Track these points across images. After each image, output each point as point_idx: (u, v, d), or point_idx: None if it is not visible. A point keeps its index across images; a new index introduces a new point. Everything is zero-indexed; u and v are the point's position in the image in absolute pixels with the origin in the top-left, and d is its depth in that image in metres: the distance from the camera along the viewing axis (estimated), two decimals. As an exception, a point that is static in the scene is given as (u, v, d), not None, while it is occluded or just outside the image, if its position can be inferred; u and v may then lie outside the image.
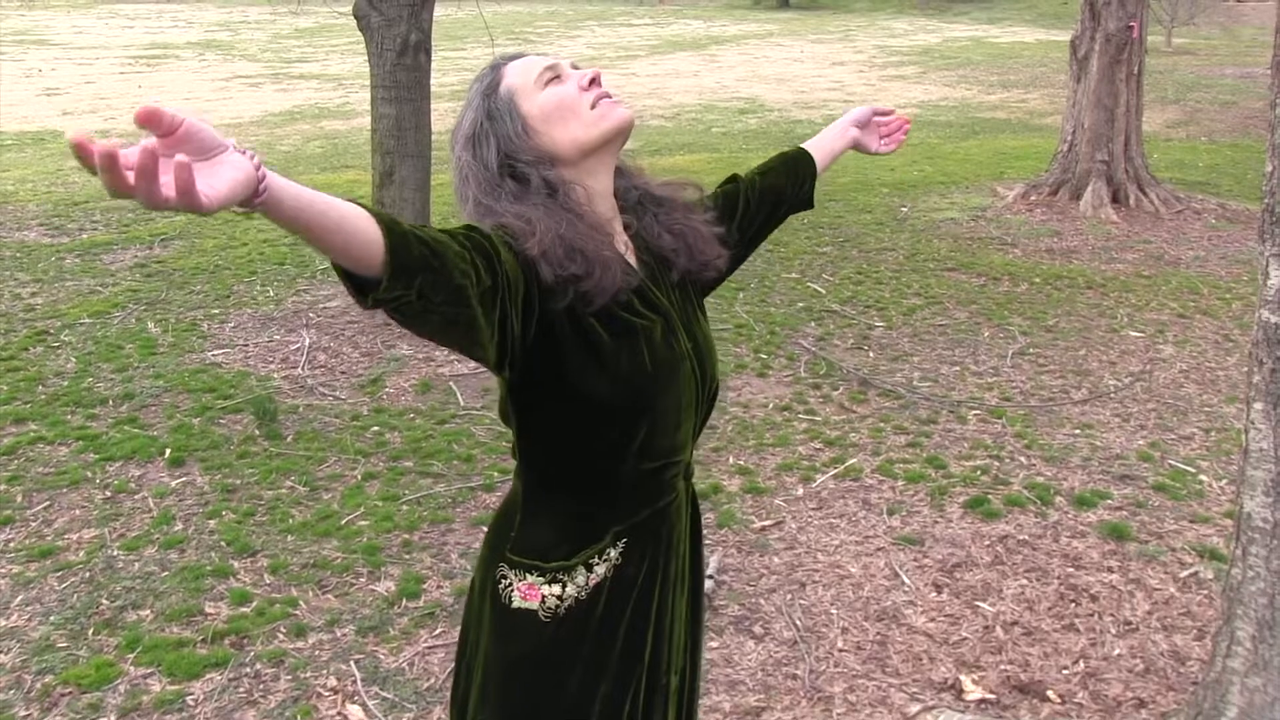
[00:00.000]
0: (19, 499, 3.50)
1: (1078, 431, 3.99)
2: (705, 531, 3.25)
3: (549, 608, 1.30)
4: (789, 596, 2.97)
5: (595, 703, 1.37)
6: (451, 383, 4.47)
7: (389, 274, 0.99)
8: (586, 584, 1.31)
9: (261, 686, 2.60)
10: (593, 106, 1.27)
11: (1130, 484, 3.58)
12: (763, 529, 3.32)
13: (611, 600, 1.34)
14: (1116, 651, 2.72)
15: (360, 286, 1.00)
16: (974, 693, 2.56)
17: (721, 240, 1.45)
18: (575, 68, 1.33)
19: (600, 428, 1.27)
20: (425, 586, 3.01)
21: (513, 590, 1.31)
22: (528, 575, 1.30)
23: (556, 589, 1.29)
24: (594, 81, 1.29)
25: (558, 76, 1.30)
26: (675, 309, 1.37)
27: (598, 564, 1.31)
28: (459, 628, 1.48)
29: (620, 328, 1.27)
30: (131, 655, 2.70)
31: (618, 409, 1.26)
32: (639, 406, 1.28)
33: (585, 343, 1.24)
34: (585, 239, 1.24)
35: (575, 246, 1.23)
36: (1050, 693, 2.56)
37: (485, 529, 1.49)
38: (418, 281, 1.00)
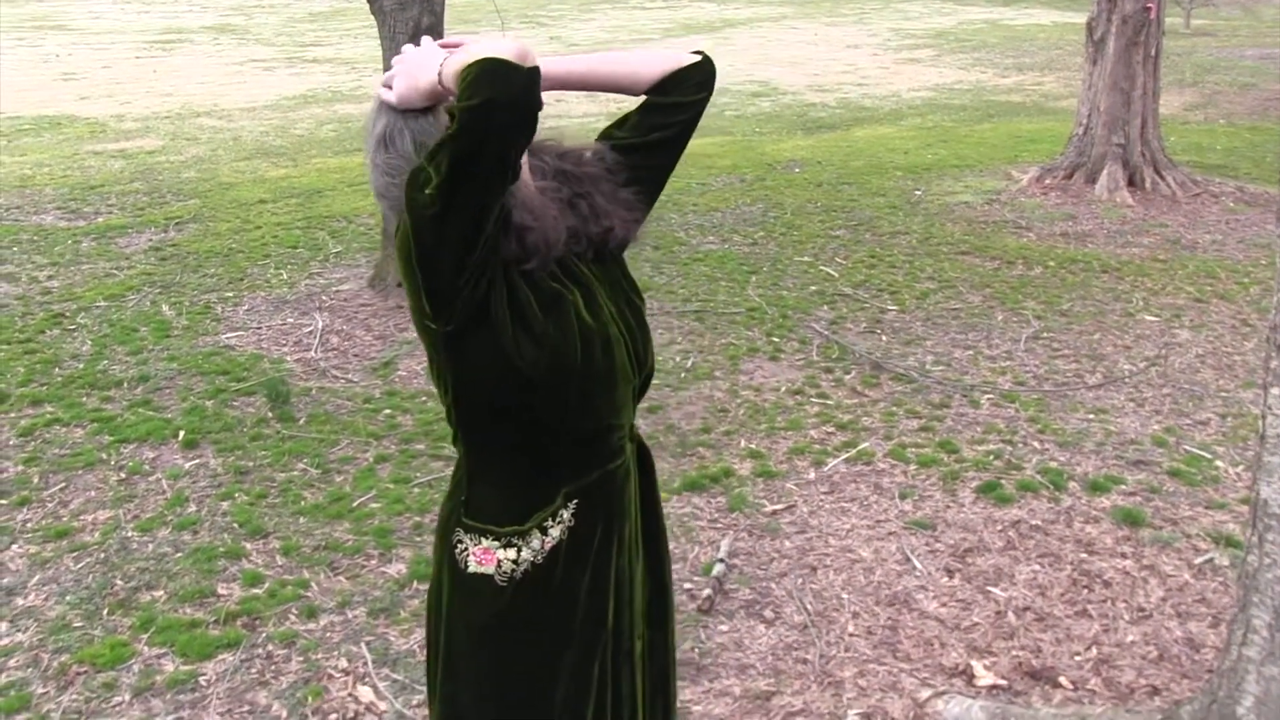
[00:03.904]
0: (35, 480, 3.53)
1: (1092, 416, 3.97)
2: (716, 516, 3.27)
3: (504, 572, 1.32)
4: (800, 580, 2.96)
5: (562, 670, 1.39)
6: (463, 366, 4.47)
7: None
8: (542, 548, 1.32)
9: (273, 667, 2.62)
10: None
11: (1144, 469, 3.56)
12: (774, 513, 3.31)
13: (569, 564, 1.35)
14: (1130, 638, 2.71)
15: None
16: (985, 678, 2.55)
17: (626, 205, 1.46)
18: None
19: (534, 392, 1.30)
20: (436, 569, 3.02)
21: (468, 555, 1.32)
22: (482, 539, 1.32)
23: (511, 553, 1.31)
24: None
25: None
26: (595, 278, 1.40)
27: (552, 526, 1.33)
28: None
29: (549, 299, 1.32)
30: (145, 635, 2.73)
31: (550, 376, 1.30)
32: (569, 373, 1.31)
33: (519, 315, 1.29)
34: (530, 196, 1.31)
35: (525, 201, 1.30)
36: (1062, 679, 2.55)
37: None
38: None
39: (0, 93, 12.00)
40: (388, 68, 5.37)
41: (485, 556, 1.32)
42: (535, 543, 1.33)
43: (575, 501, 1.35)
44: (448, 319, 1.26)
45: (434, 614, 1.46)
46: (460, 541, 1.34)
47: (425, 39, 1.41)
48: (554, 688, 1.39)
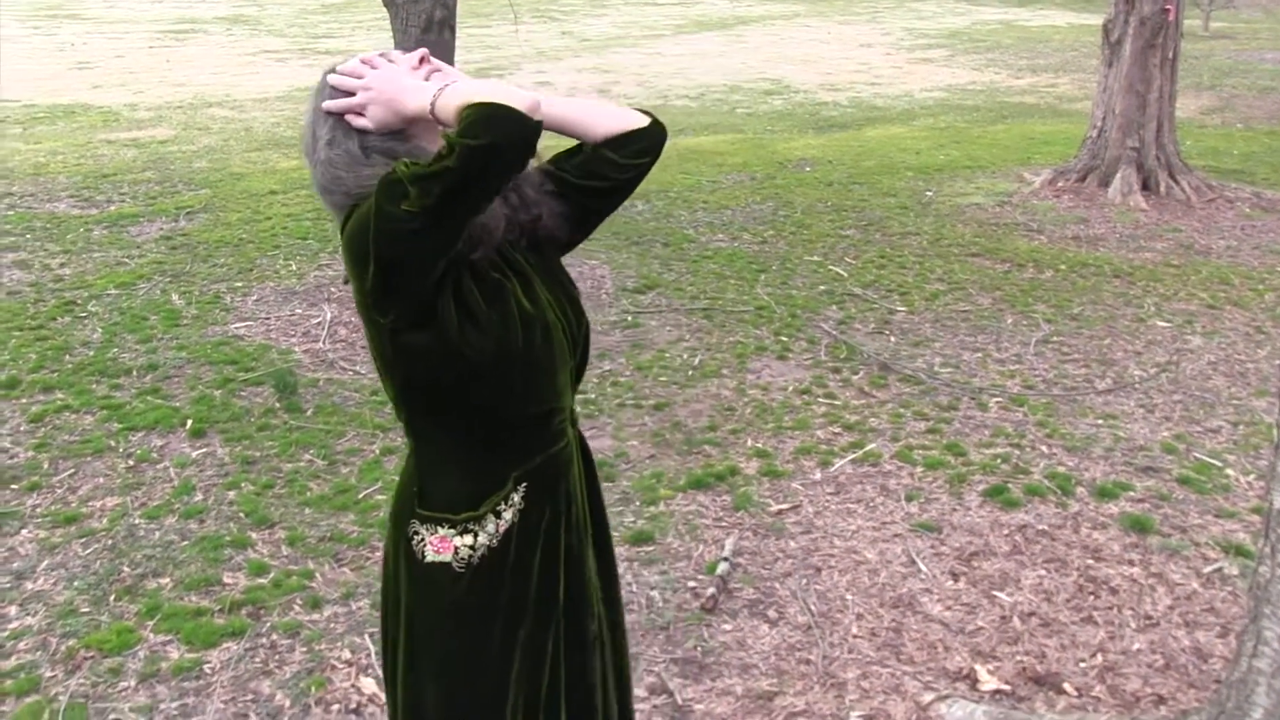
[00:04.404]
0: (45, 466, 3.55)
1: (1101, 422, 3.95)
2: (721, 514, 3.27)
3: (461, 559, 1.36)
4: (804, 581, 2.96)
5: (517, 648, 1.43)
6: (471, 360, 4.48)
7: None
8: (497, 532, 1.37)
9: (277, 657, 2.62)
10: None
11: (1153, 476, 3.54)
12: (779, 512, 3.31)
13: (520, 546, 1.40)
14: (1136, 646, 2.69)
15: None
16: (989, 683, 2.54)
17: (553, 195, 1.51)
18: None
19: (480, 379, 1.36)
20: (441, 562, 3.02)
21: (425, 545, 1.36)
22: (439, 529, 1.36)
23: (468, 539, 1.35)
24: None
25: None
26: (531, 267, 1.46)
27: (504, 510, 1.37)
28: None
29: (491, 289, 1.37)
30: (151, 622, 2.74)
31: (495, 363, 1.35)
32: (513, 359, 1.37)
33: (464, 306, 1.34)
34: None
35: None
36: (1066, 685, 2.54)
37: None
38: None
39: (16, 80, 12.05)
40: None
41: (442, 545, 1.36)
42: (490, 527, 1.37)
43: (524, 485, 1.40)
44: (398, 314, 1.32)
45: (390, 607, 1.49)
46: (416, 533, 1.38)
47: (379, 59, 1.42)
48: (512, 666, 1.44)
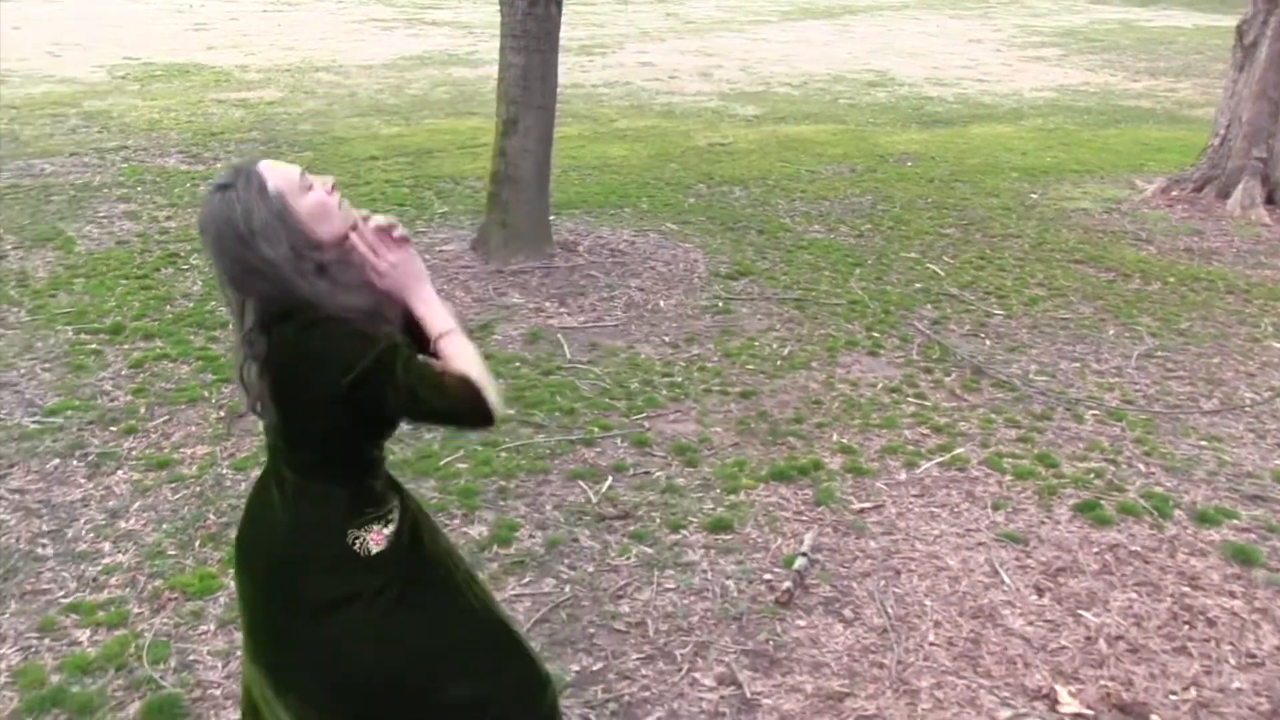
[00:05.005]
0: (142, 410, 3.68)
1: (1205, 443, 3.75)
2: (801, 508, 3.27)
3: (390, 541, 1.73)
4: (882, 583, 2.88)
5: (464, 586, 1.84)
6: (560, 335, 4.48)
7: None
8: (399, 517, 1.77)
9: (353, 613, 2.66)
10: (339, 207, 1.68)
11: (1262, 505, 3.35)
12: (861, 511, 3.23)
13: (411, 519, 1.80)
14: (1235, 684, 2.55)
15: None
16: (1069, 705, 2.44)
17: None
18: (318, 178, 1.71)
19: (389, 430, 1.74)
20: (517, 534, 3.03)
21: (368, 542, 1.70)
22: (374, 526, 1.71)
23: (391, 527, 1.74)
24: (334, 188, 1.70)
25: (310, 186, 1.67)
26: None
27: (397, 500, 1.79)
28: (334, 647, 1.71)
29: None
30: (232, 571, 2.81)
31: (397, 416, 1.70)
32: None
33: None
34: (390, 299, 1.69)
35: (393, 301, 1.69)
36: (1154, 717, 2.42)
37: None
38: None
39: (138, 39, 12.52)
40: (505, 33, 5.36)
41: (378, 537, 1.70)
42: (396, 514, 1.75)
43: (392, 488, 1.80)
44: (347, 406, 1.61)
45: (320, 628, 1.69)
46: (357, 538, 1.68)
47: (415, 259, 1.71)
48: (462, 596, 1.81)
